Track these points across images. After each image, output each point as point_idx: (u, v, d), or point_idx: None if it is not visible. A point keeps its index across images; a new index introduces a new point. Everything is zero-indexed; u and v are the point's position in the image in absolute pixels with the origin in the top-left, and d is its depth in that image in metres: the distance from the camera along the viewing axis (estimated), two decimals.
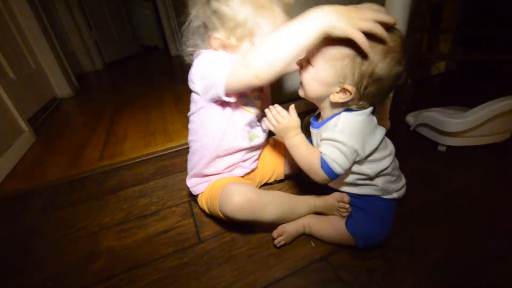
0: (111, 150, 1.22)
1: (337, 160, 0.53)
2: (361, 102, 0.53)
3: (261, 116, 0.69)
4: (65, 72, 2.16)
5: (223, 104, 0.63)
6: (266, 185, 0.83)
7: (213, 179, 0.71)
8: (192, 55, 0.66)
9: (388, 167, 0.58)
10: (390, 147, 0.60)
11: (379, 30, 0.45)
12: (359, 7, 0.48)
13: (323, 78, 0.53)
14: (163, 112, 1.56)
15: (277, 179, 0.82)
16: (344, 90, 0.52)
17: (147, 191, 0.90)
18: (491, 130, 0.84)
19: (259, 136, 0.71)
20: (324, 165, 0.54)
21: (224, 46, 0.62)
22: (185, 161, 0.75)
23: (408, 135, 0.95)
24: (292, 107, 0.58)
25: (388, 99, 0.86)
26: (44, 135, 1.50)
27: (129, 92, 2.10)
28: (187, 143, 1.13)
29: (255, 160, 0.75)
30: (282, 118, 0.57)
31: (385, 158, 0.58)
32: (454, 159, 0.84)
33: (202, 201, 0.72)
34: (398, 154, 0.61)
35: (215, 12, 0.59)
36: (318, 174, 0.55)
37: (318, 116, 0.63)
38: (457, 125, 0.82)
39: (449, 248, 0.58)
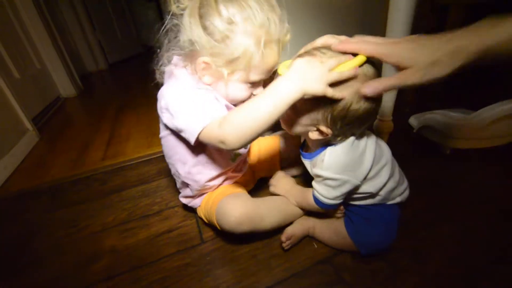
0: (114, 150, 1.23)
1: (325, 194, 0.55)
2: (339, 138, 0.52)
3: None
4: (69, 72, 2.17)
5: None
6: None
7: (207, 191, 0.69)
8: (163, 72, 0.60)
9: (387, 180, 0.56)
10: (385, 154, 0.57)
11: (347, 75, 0.44)
12: (320, 56, 0.47)
13: (298, 119, 0.53)
14: None
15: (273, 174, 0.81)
16: (319, 130, 0.51)
17: (150, 191, 0.90)
18: (495, 133, 0.83)
19: (241, 153, 0.69)
20: (316, 200, 0.58)
21: (209, 75, 0.55)
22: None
23: (411, 138, 0.95)
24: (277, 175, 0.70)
25: (391, 101, 0.85)
26: (47, 134, 1.51)
27: (132, 92, 2.11)
28: None
29: (243, 167, 0.74)
30: (278, 185, 0.68)
31: (382, 169, 0.55)
32: (458, 161, 0.83)
33: (201, 214, 0.71)
34: (401, 157, 0.60)
35: (212, 34, 0.50)
36: (314, 206, 0.59)
37: (304, 144, 0.64)
38: (462, 128, 0.82)
39: (452, 251, 0.58)
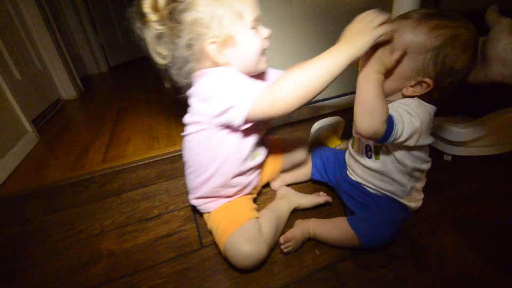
0: (114, 152, 1.22)
1: (404, 124, 0.51)
2: (434, 94, 0.53)
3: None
4: (71, 74, 2.17)
5: (231, 127, 0.59)
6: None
7: (220, 202, 0.68)
8: (188, 75, 0.62)
9: (424, 170, 0.60)
10: (430, 159, 0.61)
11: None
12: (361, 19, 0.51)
13: (401, 72, 0.53)
14: (166, 116, 1.56)
15: (275, 177, 0.81)
16: (420, 83, 0.52)
17: (149, 195, 0.89)
18: (497, 140, 0.83)
19: (261, 154, 0.69)
20: (390, 121, 0.50)
21: (223, 46, 0.56)
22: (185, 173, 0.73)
23: None
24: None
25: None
26: (47, 136, 1.51)
27: (133, 95, 2.10)
28: None
29: (257, 177, 0.73)
30: (386, 47, 0.52)
31: (426, 163, 0.59)
32: (460, 168, 0.83)
33: (208, 222, 0.69)
34: None
35: (193, 24, 0.53)
36: (374, 124, 0.50)
37: None
38: (464, 135, 0.82)
39: (455, 259, 0.57)
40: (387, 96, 0.56)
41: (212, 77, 0.57)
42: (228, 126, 0.58)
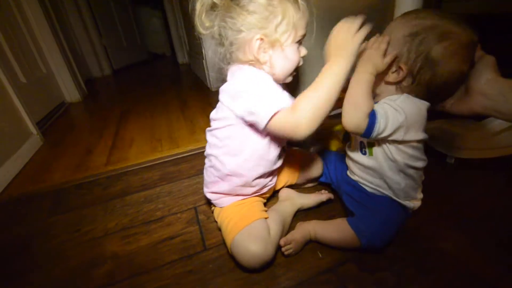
0: (118, 155, 1.23)
1: (385, 119, 0.52)
2: (414, 85, 0.54)
3: None
4: (74, 77, 2.19)
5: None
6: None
7: (234, 198, 0.69)
8: (225, 62, 0.63)
9: (419, 168, 0.60)
10: (426, 158, 0.61)
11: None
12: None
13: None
14: (169, 119, 1.57)
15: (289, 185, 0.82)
16: (398, 70, 0.55)
17: (152, 197, 0.90)
18: (500, 143, 0.83)
19: (284, 151, 0.70)
20: (372, 117, 0.53)
21: (268, 47, 0.57)
22: (191, 167, 0.75)
23: None
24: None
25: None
26: (51, 138, 1.52)
27: (136, 98, 2.12)
28: (192, 150, 1.15)
29: (275, 177, 0.74)
30: (379, 48, 0.55)
31: (420, 161, 0.59)
32: (463, 171, 0.83)
33: (216, 216, 0.70)
34: None
35: (251, 14, 0.54)
36: (357, 119, 0.53)
37: None
38: (466, 138, 0.82)
39: (458, 262, 0.57)
40: (376, 90, 0.59)
41: (245, 76, 0.59)
42: (253, 125, 0.59)
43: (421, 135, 0.56)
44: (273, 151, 0.64)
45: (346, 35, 0.52)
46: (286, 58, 0.59)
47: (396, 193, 0.61)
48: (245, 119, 0.58)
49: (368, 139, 0.59)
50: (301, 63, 0.63)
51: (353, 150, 0.66)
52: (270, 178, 0.70)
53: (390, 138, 0.55)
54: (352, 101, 0.54)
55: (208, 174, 0.70)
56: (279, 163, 0.69)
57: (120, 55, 3.25)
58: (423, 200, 0.64)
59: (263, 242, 0.58)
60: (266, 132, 0.60)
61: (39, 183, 1.08)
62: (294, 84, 0.71)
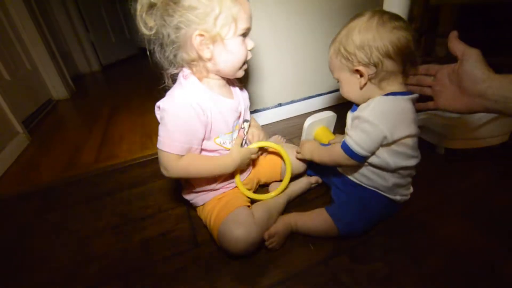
0: (107, 152, 1.21)
1: (359, 142, 0.55)
2: (381, 68, 0.54)
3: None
4: (61, 74, 2.14)
5: None
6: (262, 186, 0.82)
7: (210, 194, 0.69)
8: (171, 64, 0.63)
9: (410, 167, 0.60)
10: (419, 155, 0.61)
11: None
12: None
13: (345, 80, 0.60)
14: None
15: (274, 181, 0.81)
16: (357, 73, 0.56)
17: (143, 194, 0.89)
18: (489, 133, 0.84)
19: (244, 127, 0.71)
20: (344, 145, 0.57)
21: (209, 42, 0.56)
22: None
23: None
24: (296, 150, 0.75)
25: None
26: (38, 137, 1.49)
27: (125, 94, 2.08)
28: None
29: (248, 168, 0.75)
30: (303, 149, 0.71)
31: (413, 158, 0.59)
32: (453, 161, 0.84)
33: (202, 215, 0.70)
34: None
35: (188, 10, 0.53)
36: (343, 159, 0.59)
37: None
38: (456, 128, 0.82)
39: (449, 252, 0.58)
40: (365, 98, 0.59)
41: (174, 101, 0.60)
42: None
43: (410, 130, 0.55)
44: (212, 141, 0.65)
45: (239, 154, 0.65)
46: (229, 52, 0.58)
47: (382, 189, 0.61)
48: None
49: (368, 159, 0.59)
50: (249, 57, 0.62)
51: None
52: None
53: (383, 146, 0.56)
54: (330, 161, 0.64)
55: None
56: (241, 132, 0.71)
57: (108, 51, 3.18)
58: (414, 190, 0.64)
59: (246, 225, 0.59)
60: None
61: (26, 182, 1.05)
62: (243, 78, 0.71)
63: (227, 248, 0.59)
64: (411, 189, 0.64)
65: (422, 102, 0.62)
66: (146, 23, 0.57)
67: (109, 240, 0.72)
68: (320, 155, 0.66)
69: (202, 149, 0.64)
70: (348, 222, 0.60)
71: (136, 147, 1.21)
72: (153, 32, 0.57)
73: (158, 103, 0.61)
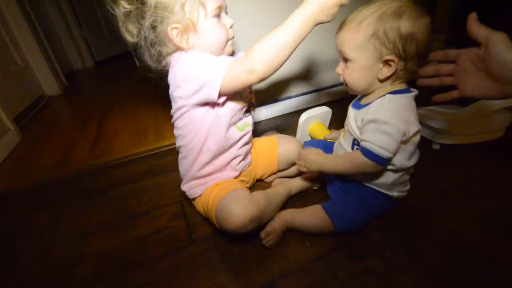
0: (101, 149, 1.19)
1: (385, 145, 0.52)
2: (408, 65, 0.53)
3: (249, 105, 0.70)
4: (53, 70, 2.10)
5: (208, 103, 0.61)
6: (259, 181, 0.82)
7: (210, 182, 0.68)
8: (160, 62, 0.63)
9: (409, 168, 0.59)
10: (418, 151, 0.61)
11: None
12: None
13: (364, 65, 0.54)
14: (154, 111, 1.53)
15: (271, 174, 0.81)
16: (386, 62, 0.53)
17: (138, 191, 0.87)
18: (484, 128, 0.84)
19: (250, 124, 0.70)
20: (368, 153, 0.53)
21: (185, 32, 0.58)
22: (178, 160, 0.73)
23: None
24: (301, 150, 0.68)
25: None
26: (30, 134, 1.46)
27: (120, 90, 2.05)
28: None
29: (248, 154, 0.74)
30: (309, 161, 0.63)
31: (414, 156, 0.59)
32: (449, 157, 0.84)
33: (199, 205, 0.70)
34: None
35: (156, 7, 0.55)
36: (366, 164, 0.54)
37: (360, 100, 0.63)
38: (451, 123, 0.82)
39: (446, 247, 0.58)
40: (368, 89, 0.58)
41: (181, 63, 0.59)
42: (206, 103, 0.60)
43: (418, 126, 0.55)
44: (226, 118, 0.63)
45: None
46: (207, 35, 0.59)
47: (380, 186, 0.61)
48: (196, 99, 0.58)
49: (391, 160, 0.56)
50: (231, 35, 0.63)
51: (345, 140, 0.65)
52: (239, 150, 0.70)
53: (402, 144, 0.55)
54: (350, 171, 0.58)
55: (180, 166, 0.71)
56: (248, 130, 0.70)
57: (102, 46, 3.13)
58: (410, 187, 0.64)
59: (243, 201, 0.59)
60: (221, 98, 0.59)
61: (19, 180, 1.03)
62: None
63: (225, 225, 0.58)
64: (409, 186, 0.64)
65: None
66: (130, 31, 0.60)
67: (103, 238, 0.71)
68: (335, 166, 0.60)
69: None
70: (344, 219, 0.59)
71: (131, 144, 1.19)
72: (137, 39, 0.60)
73: (169, 80, 0.61)
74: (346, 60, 0.56)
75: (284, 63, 0.55)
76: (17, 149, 1.29)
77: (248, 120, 0.70)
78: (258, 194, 0.65)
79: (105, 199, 0.86)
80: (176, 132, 0.67)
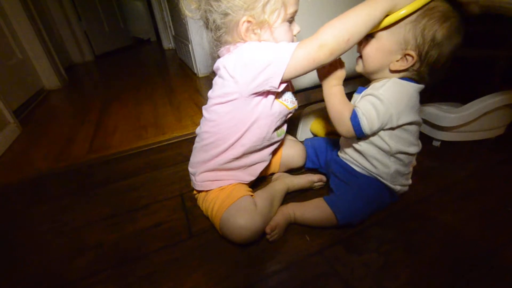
0: (100, 143, 1.19)
1: (368, 116, 0.54)
2: (421, 69, 0.54)
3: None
4: (53, 63, 2.09)
5: (262, 95, 0.58)
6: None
7: (225, 181, 0.67)
8: (217, 45, 0.61)
9: (411, 154, 0.60)
10: (420, 144, 0.61)
11: None
12: None
13: (386, 46, 0.54)
14: (154, 105, 1.53)
15: (272, 173, 0.81)
16: (405, 57, 0.54)
17: (137, 185, 0.87)
18: (485, 126, 0.84)
19: (284, 132, 0.70)
20: (353, 117, 0.55)
21: (256, 27, 0.56)
22: (178, 154, 0.72)
23: None
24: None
25: None
26: (30, 127, 1.46)
27: (119, 84, 2.05)
28: (179, 136, 1.12)
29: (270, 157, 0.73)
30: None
31: (414, 145, 0.59)
32: (449, 154, 0.84)
33: (200, 199, 0.69)
34: None
35: None
36: (345, 125, 0.57)
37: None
38: (451, 120, 0.82)
39: (444, 242, 0.58)
40: (375, 74, 0.59)
41: (243, 48, 0.56)
42: (261, 94, 0.58)
43: (413, 117, 0.56)
44: (275, 116, 0.62)
45: None
46: (277, 37, 0.57)
47: (383, 177, 0.61)
48: (255, 84, 0.55)
49: (366, 137, 0.59)
50: (295, 42, 0.60)
51: None
52: (266, 154, 0.68)
53: (386, 128, 0.56)
54: (335, 114, 0.58)
55: (200, 153, 0.67)
56: (282, 137, 0.70)
57: (102, 40, 3.13)
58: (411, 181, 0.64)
59: (250, 214, 0.58)
60: (282, 85, 0.56)
61: (18, 173, 1.03)
62: None
63: (230, 237, 0.59)
64: (410, 181, 0.64)
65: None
66: (189, 4, 0.57)
67: (101, 231, 0.71)
68: (335, 95, 0.59)
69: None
70: (347, 212, 0.59)
71: (131, 137, 1.19)
72: (193, 14, 0.58)
73: (226, 61, 0.57)
74: (371, 36, 0.55)
75: (354, 44, 0.52)
76: (17, 142, 1.29)
77: (285, 128, 0.69)
78: (261, 200, 0.63)
79: (104, 193, 0.86)
80: (209, 116, 0.63)
